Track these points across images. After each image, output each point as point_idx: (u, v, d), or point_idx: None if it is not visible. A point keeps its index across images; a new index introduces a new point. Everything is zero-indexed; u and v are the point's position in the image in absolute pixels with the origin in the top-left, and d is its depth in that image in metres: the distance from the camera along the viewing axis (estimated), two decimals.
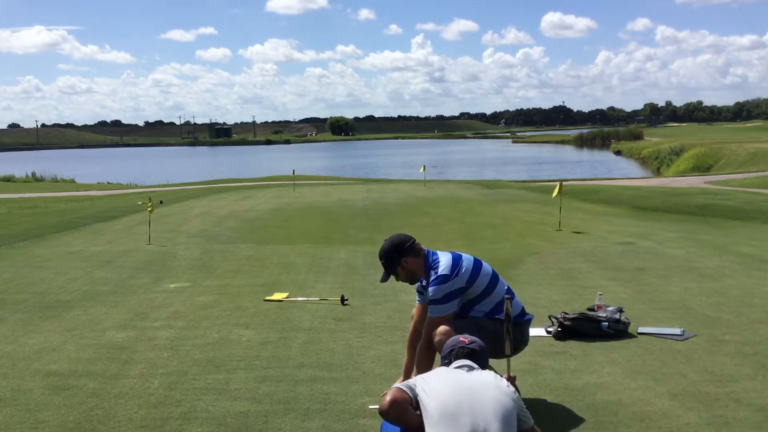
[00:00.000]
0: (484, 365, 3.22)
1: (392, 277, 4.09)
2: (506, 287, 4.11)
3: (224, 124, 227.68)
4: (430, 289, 3.91)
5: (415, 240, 4.07)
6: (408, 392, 3.06)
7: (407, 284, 4.16)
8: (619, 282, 7.43)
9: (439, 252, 4.06)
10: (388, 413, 3.05)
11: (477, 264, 4.02)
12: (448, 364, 3.21)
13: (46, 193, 28.51)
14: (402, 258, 4.01)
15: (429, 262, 4.00)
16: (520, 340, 4.06)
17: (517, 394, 3.09)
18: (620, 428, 3.71)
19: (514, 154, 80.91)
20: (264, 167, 56.53)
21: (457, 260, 3.96)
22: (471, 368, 3.13)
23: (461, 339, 3.23)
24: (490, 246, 10.27)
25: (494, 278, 4.06)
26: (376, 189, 23.79)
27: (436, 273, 3.91)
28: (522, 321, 4.10)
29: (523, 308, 4.16)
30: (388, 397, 3.04)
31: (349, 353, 5.14)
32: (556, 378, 4.51)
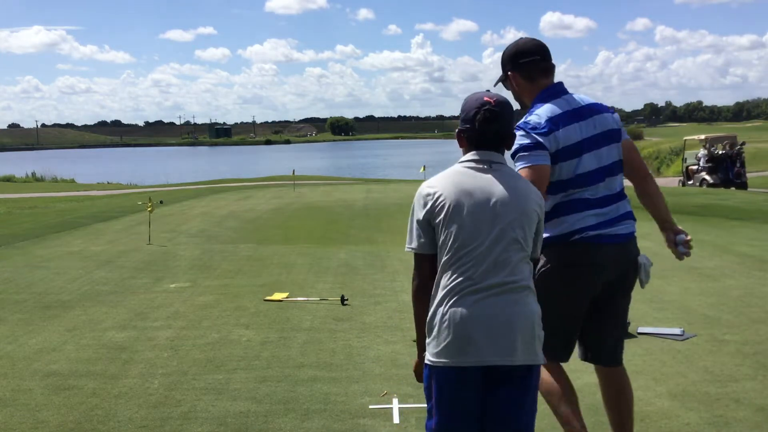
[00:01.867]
0: (509, 132, 2.50)
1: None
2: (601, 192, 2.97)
3: (224, 124, 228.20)
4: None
5: (544, 59, 3.05)
6: (429, 248, 2.41)
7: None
8: None
9: (561, 97, 3.01)
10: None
11: (582, 145, 2.92)
12: (469, 146, 2.45)
13: (46, 193, 28.50)
14: (509, 71, 3.11)
15: (537, 101, 3.04)
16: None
17: (543, 203, 2.49)
18: None
19: None
20: (264, 167, 56.50)
21: (554, 116, 2.92)
22: (492, 164, 2.41)
23: (486, 98, 2.43)
24: None
25: (601, 173, 2.95)
26: (376, 189, 23.80)
27: (523, 119, 2.97)
28: (631, 237, 3.06)
29: (626, 213, 3.04)
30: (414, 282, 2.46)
31: (349, 353, 5.14)
32: None
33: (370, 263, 9.02)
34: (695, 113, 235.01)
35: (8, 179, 40.98)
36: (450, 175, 2.41)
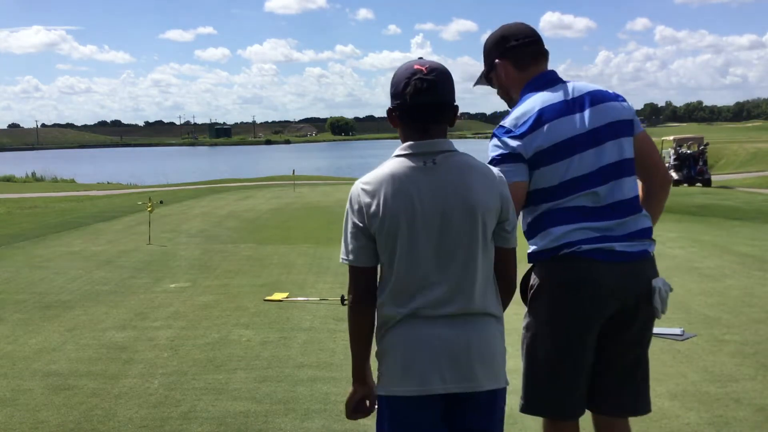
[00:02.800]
0: (448, 103, 2.05)
1: None
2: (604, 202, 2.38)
3: (224, 124, 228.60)
4: None
5: (535, 43, 2.52)
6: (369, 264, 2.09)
7: None
8: None
9: (554, 86, 2.47)
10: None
11: (575, 141, 2.37)
12: (404, 127, 2.05)
13: (46, 193, 28.50)
14: (497, 58, 2.56)
15: (524, 92, 2.51)
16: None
17: (503, 184, 2.07)
18: None
19: None
20: (264, 167, 56.49)
21: (540, 109, 2.39)
22: (435, 156, 2.00)
23: (416, 66, 2.02)
24: None
25: (589, 179, 2.37)
26: None
27: (501, 121, 2.49)
28: (642, 256, 2.43)
29: (641, 230, 2.42)
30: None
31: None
32: None
33: None
34: (695, 113, 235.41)
35: (8, 179, 40.97)
36: (387, 176, 2.00)
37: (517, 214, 2.33)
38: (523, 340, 2.49)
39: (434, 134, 2.02)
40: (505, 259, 2.13)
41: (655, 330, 5.62)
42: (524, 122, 2.38)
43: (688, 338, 5.31)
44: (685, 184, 24.74)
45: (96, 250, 10.56)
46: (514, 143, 2.37)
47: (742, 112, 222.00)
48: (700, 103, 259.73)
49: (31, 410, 4.09)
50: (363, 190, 2.02)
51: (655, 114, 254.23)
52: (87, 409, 4.09)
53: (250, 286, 7.67)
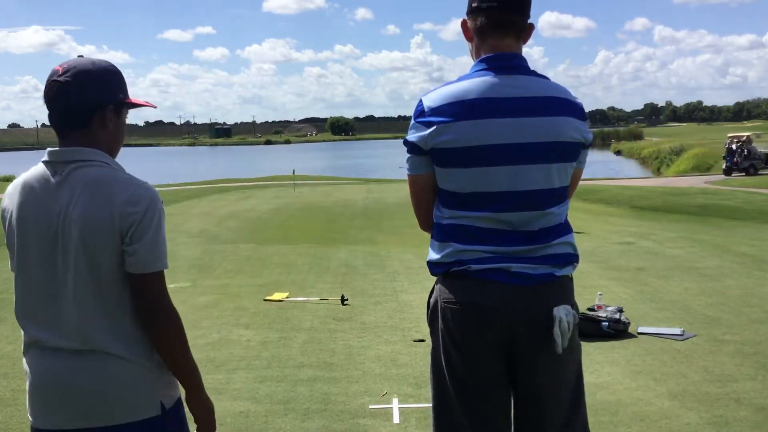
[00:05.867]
0: (81, 109, 1.80)
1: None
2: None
3: (224, 124, 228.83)
4: None
5: (503, 9, 2.02)
6: None
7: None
8: (619, 282, 7.43)
9: (500, 75, 2.02)
10: None
11: (488, 153, 1.98)
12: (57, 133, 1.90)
13: None
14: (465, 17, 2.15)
15: (471, 71, 2.10)
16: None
17: (132, 203, 1.76)
18: (620, 428, 3.72)
19: None
20: (264, 167, 56.47)
21: (463, 100, 2.00)
22: (64, 168, 1.78)
23: (56, 67, 1.80)
24: None
25: (501, 198, 1.99)
26: (376, 189, 23.81)
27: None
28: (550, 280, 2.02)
29: (549, 256, 2.03)
30: None
31: (349, 353, 5.14)
32: None
33: (370, 263, 9.02)
34: (695, 113, 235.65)
35: (8, 179, 41.00)
36: (21, 183, 1.84)
37: (420, 210, 2.18)
38: (430, 367, 2.19)
39: (73, 141, 1.80)
40: (137, 287, 1.86)
41: (655, 330, 5.67)
42: (441, 107, 2.02)
43: (688, 338, 5.32)
44: (734, 173, 29.14)
45: None
46: (417, 133, 2.07)
47: (742, 112, 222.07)
48: (700, 103, 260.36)
49: None
50: (7, 193, 1.87)
51: (655, 114, 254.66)
52: None
53: (250, 286, 7.67)
